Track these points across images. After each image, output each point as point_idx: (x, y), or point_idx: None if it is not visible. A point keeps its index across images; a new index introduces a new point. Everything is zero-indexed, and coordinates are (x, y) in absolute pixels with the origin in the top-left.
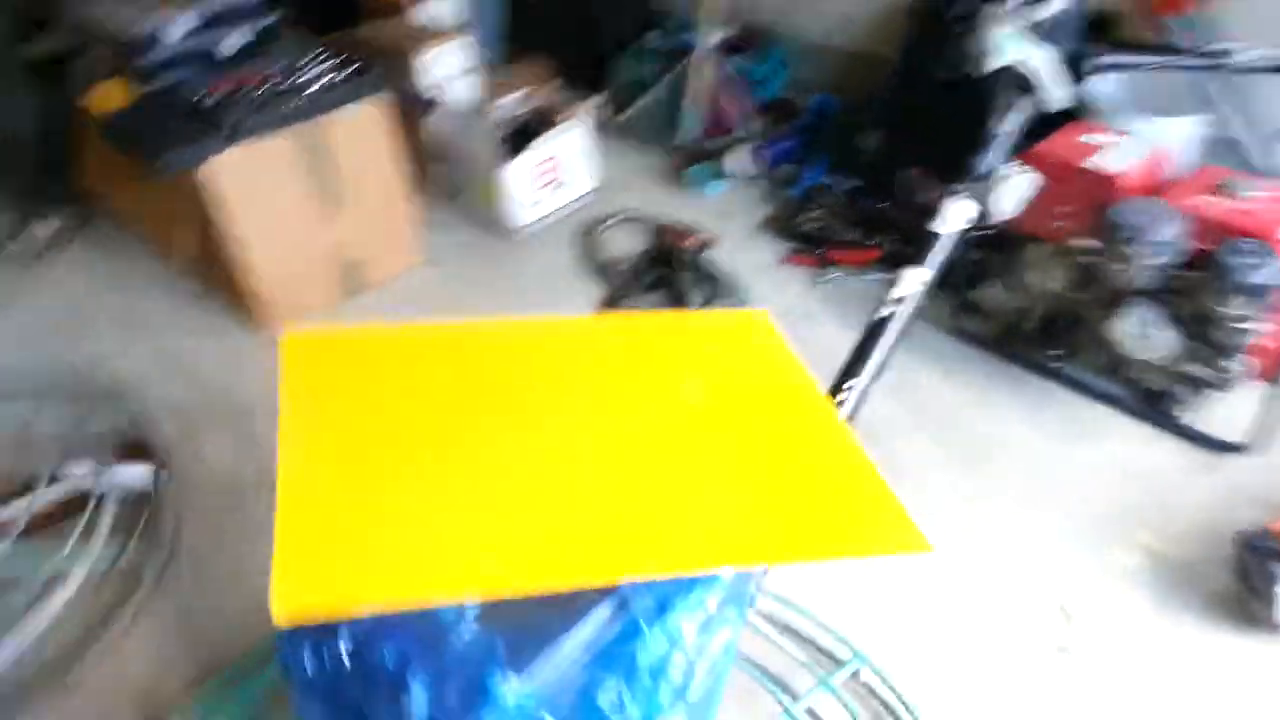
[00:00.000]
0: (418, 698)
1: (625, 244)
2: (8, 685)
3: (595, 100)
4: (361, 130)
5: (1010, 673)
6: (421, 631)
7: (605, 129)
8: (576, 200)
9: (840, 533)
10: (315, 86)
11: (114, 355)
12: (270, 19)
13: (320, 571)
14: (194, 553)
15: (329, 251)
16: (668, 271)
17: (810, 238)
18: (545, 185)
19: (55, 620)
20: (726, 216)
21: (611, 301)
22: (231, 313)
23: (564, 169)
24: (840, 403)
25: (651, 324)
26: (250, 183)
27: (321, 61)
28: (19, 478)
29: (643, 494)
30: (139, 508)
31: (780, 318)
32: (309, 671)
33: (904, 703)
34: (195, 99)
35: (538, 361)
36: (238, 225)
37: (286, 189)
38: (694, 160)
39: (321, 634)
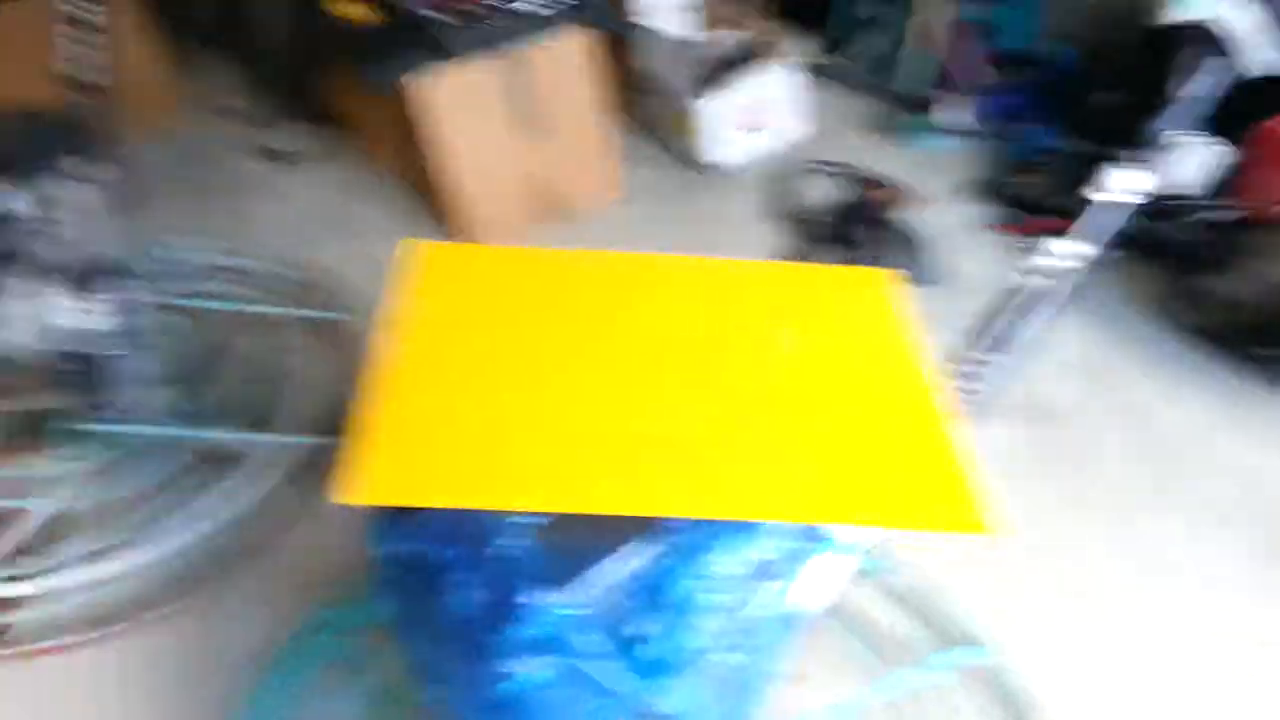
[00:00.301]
0: (457, 593)
1: (822, 194)
2: (212, 551)
3: (809, 42)
4: (566, 60)
5: (1149, 687)
6: (475, 534)
7: (818, 71)
8: (779, 143)
9: (896, 503)
10: (525, 10)
11: (330, 256)
12: None
13: (391, 466)
14: None
15: (527, 178)
16: (859, 228)
17: (1025, 204)
18: (747, 125)
19: (261, 498)
20: (936, 173)
21: (796, 256)
22: (436, 230)
23: (768, 110)
24: (961, 374)
25: (775, 273)
26: (456, 103)
27: None
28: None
29: (711, 438)
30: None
31: (972, 290)
32: (383, 556)
33: (1021, 700)
34: (415, 14)
35: (651, 298)
36: (442, 143)
37: (490, 112)
38: (909, 110)
39: (399, 524)
